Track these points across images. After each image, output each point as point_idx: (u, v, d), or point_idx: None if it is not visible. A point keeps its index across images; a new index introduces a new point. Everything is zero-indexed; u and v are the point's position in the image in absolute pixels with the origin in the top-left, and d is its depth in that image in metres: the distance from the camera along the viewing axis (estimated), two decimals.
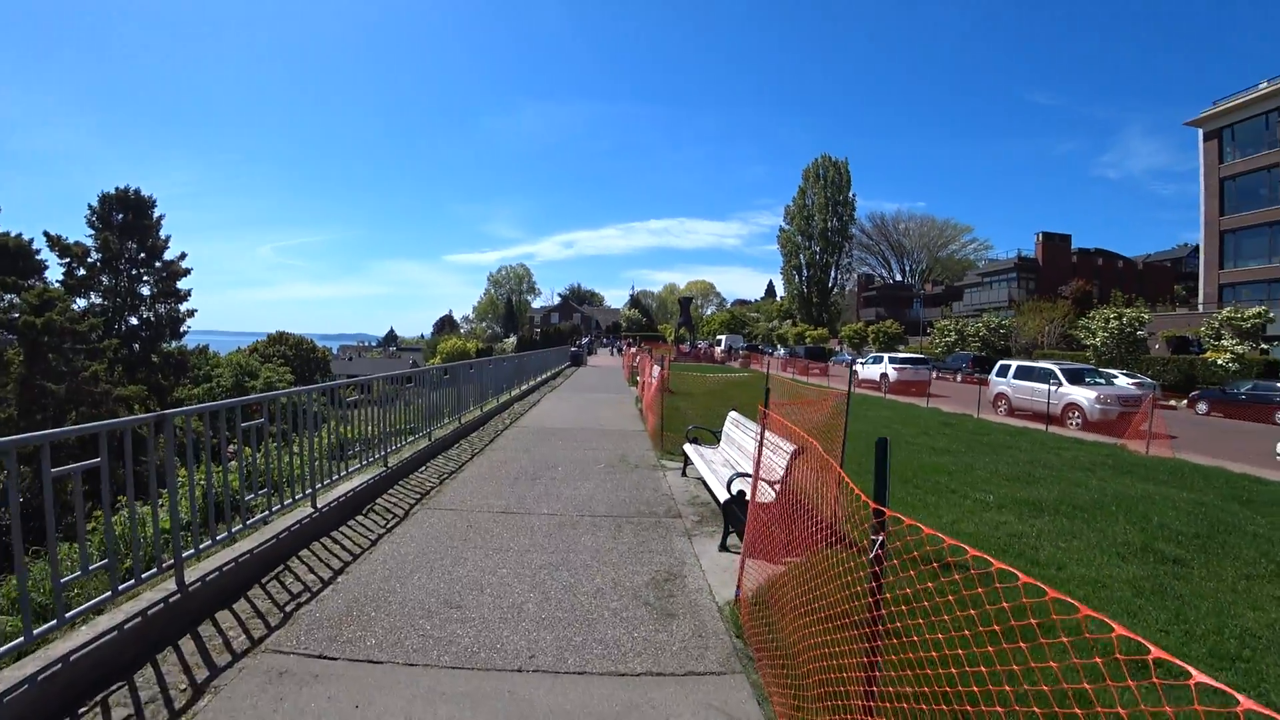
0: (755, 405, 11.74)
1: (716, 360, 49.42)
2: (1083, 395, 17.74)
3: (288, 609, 3.93)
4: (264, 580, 4.32)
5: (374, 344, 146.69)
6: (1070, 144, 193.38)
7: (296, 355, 68.78)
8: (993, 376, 21.64)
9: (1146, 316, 32.42)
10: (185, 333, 31.35)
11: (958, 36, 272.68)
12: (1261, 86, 38.51)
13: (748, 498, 5.39)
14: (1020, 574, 1.65)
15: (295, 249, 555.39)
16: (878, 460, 1.94)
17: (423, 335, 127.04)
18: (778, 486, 4.30)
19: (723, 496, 5.55)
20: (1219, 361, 27.95)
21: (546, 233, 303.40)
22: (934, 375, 28.97)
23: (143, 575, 3.51)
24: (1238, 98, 39.93)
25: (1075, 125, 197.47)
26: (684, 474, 8.24)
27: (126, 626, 3.27)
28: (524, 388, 18.85)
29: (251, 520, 4.61)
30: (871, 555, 1.91)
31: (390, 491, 6.90)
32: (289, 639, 3.55)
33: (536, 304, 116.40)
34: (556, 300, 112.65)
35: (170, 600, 3.57)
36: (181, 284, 31.06)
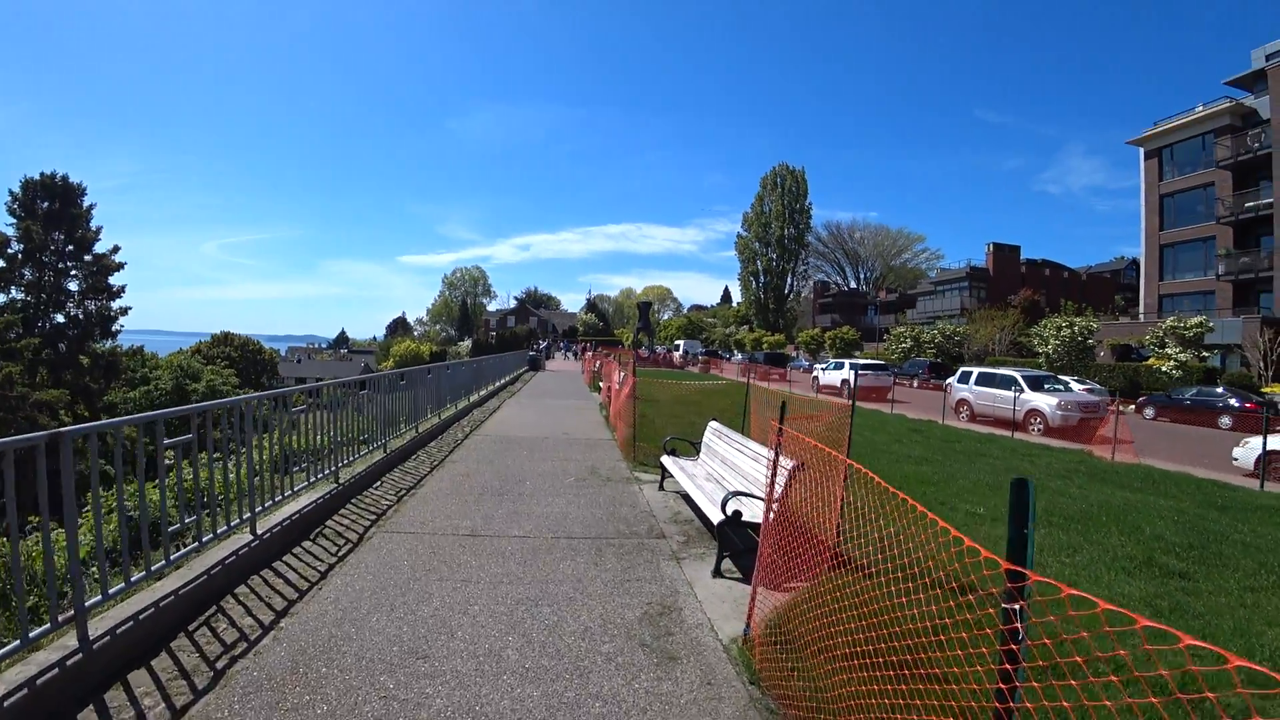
0: (730, 413, 11.31)
1: (675, 365, 49.15)
2: (1044, 402, 17.95)
3: (219, 665, 3.27)
4: (192, 627, 3.65)
5: (324, 346, 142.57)
6: (1016, 160, 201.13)
7: (242, 357, 66.00)
8: (954, 382, 21.81)
9: (1095, 325, 33.40)
10: (118, 332, 29.01)
11: (913, 54, 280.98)
12: (1198, 110, 40.26)
13: (744, 518, 4.95)
14: (1138, 617, 1.35)
15: (242, 247, 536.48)
16: (1015, 506, 1.47)
17: (375, 337, 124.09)
18: (775, 506, 3.84)
19: (715, 517, 5.07)
20: (1163, 369, 28.90)
21: (502, 235, 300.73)
22: (894, 381, 29.21)
23: (30, 635, 2.83)
24: (1176, 119, 41.66)
25: (1020, 143, 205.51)
26: (661, 488, 7.74)
27: (7, 704, 2.59)
28: (483, 393, 18.11)
29: (178, 554, 3.91)
30: (1006, 628, 1.44)
31: (342, 511, 6.21)
32: (220, 708, 2.91)
33: (492, 307, 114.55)
34: (513, 303, 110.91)
35: (68, 662, 2.90)
36: (115, 279, 28.56)
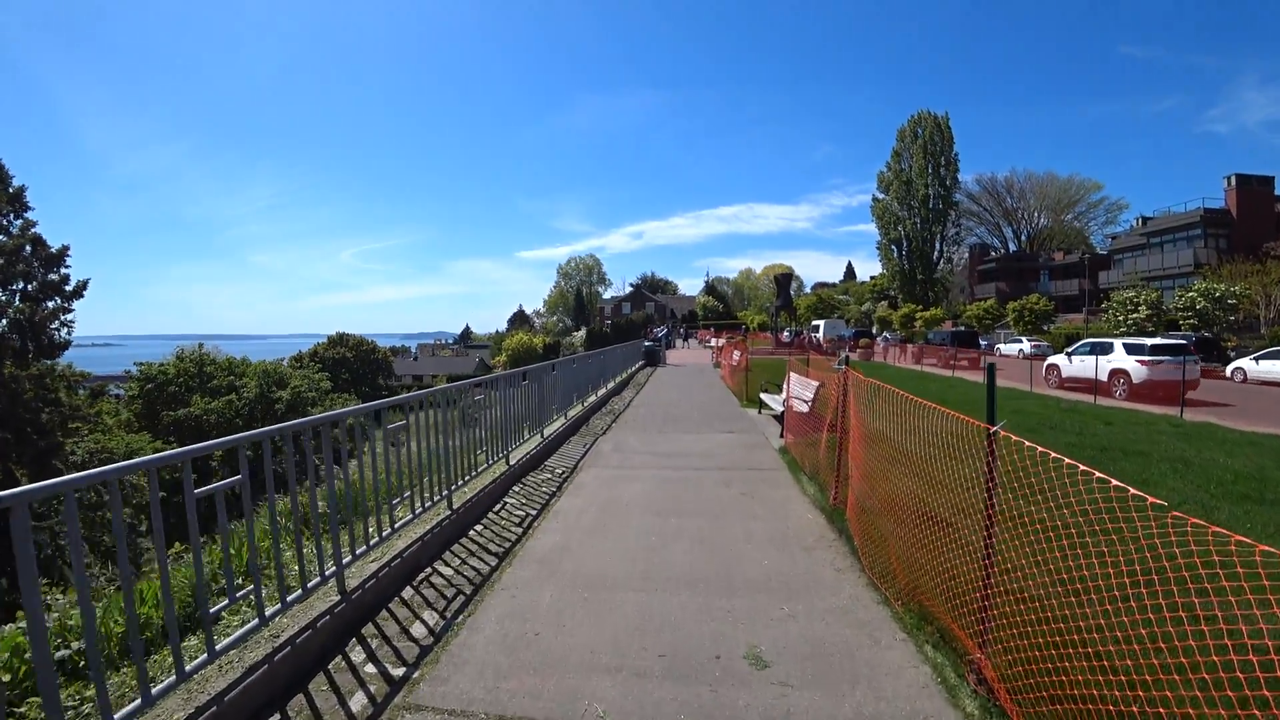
0: None
1: (821, 351, 39.59)
2: None
3: None
4: None
5: (451, 341, 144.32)
6: (1171, 99, 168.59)
7: (357, 356, 64.05)
8: None
9: None
10: (64, 346, 20.32)
11: None
12: None
13: None
14: None
15: (375, 253, 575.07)
16: None
17: (498, 330, 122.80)
18: None
19: None
20: None
21: (614, 225, 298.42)
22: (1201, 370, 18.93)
23: None
24: None
25: (1175, 80, 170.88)
26: None
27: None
28: (556, 428, 10.51)
29: None
30: None
31: None
32: None
33: (607, 295, 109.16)
34: (628, 290, 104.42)
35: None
36: (61, 277, 20.42)
